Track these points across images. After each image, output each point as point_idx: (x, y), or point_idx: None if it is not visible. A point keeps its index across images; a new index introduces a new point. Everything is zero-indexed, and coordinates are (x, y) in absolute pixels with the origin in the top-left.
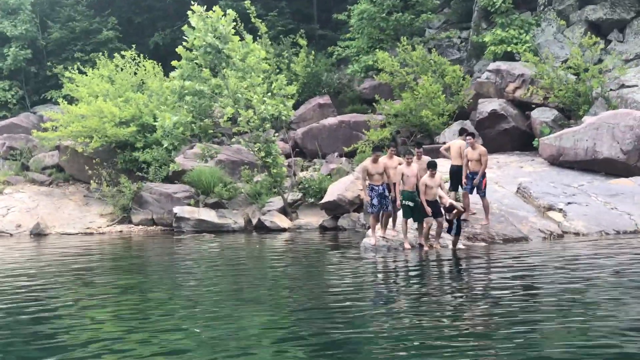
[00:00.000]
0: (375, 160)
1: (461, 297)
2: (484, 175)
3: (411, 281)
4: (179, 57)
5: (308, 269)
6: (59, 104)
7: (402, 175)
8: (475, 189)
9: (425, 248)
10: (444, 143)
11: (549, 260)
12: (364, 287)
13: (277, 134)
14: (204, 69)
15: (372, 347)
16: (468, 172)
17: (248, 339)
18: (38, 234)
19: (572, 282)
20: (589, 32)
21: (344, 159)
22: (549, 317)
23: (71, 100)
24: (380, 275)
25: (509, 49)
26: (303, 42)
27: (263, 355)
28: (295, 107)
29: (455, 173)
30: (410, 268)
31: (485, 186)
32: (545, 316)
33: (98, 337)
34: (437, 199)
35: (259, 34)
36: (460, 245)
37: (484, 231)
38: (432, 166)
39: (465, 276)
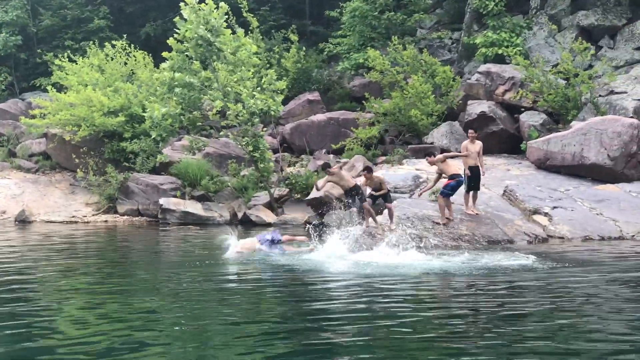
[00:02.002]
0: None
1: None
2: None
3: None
4: (169, 49)
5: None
6: (48, 92)
7: None
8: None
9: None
10: (432, 143)
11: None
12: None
13: (265, 129)
14: (194, 61)
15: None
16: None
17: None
18: (23, 221)
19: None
20: (580, 38)
21: (331, 155)
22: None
23: (60, 88)
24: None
25: (499, 51)
26: (294, 37)
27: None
28: (285, 102)
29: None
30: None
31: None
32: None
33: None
34: None
35: (251, 28)
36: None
37: (470, 233)
38: (366, 169)
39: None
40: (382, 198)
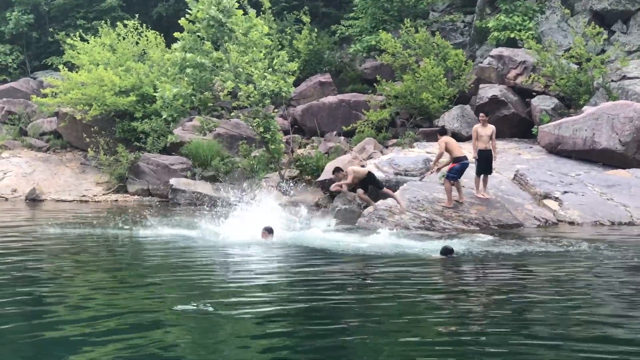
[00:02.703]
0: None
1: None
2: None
3: None
4: (181, 29)
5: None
6: (60, 71)
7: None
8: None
9: None
10: (443, 126)
11: None
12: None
13: (276, 110)
14: (206, 42)
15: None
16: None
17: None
18: (33, 200)
19: None
20: (592, 22)
21: (342, 137)
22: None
23: (72, 67)
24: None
25: (512, 35)
26: (306, 19)
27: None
28: (296, 84)
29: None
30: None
31: (451, 169)
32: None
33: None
34: None
35: (263, 9)
36: None
37: (480, 217)
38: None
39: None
40: (375, 187)
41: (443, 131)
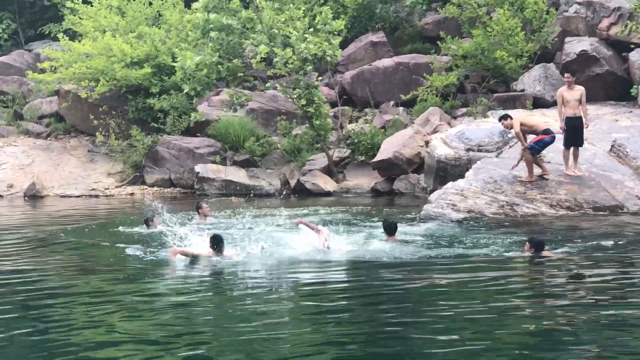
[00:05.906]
0: None
1: None
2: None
3: None
4: None
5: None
6: (59, 40)
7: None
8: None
9: None
10: (522, 90)
11: None
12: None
13: (320, 78)
14: None
15: None
16: None
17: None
18: (33, 196)
19: None
20: None
21: (401, 108)
22: None
23: (73, 35)
24: None
25: None
26: None
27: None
28: (343, 45)
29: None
30: None
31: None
32: None
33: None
34: None
35: None
36: None
37: (571, 198)
38: None
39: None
40: None
41: (505, 116)
